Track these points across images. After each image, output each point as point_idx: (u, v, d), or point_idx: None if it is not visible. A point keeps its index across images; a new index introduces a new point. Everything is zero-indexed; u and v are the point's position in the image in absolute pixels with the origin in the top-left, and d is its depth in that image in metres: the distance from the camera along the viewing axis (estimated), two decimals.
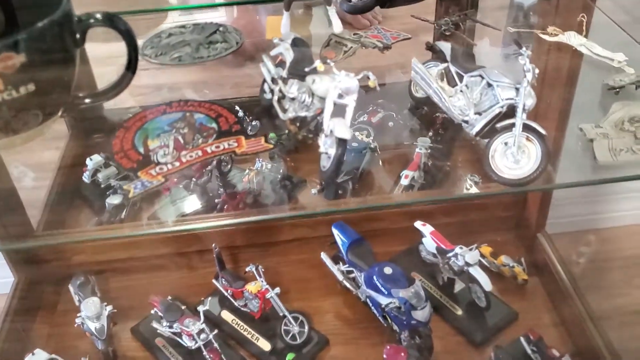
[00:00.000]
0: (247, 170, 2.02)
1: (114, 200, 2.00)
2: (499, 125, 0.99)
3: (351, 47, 1.35)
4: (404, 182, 1.96)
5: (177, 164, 1.02)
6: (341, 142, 0.99)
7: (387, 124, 2.26)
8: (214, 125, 1.07)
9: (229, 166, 2.19)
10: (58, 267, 1.81)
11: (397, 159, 2.21)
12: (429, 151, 2.01)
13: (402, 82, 2.26)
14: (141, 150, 1.03)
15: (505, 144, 0.96)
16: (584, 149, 1.10)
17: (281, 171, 2.13)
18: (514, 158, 0.96)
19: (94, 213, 2.05)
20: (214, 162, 2.08)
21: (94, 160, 2.11)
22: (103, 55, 1.43)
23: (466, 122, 1.04)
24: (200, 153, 1.04)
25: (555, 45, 1.13)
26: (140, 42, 1.27)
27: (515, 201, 1.83)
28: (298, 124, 1.09)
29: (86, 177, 2.11)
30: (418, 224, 1.75)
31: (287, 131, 2.18)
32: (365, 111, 2.29)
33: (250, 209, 1.93)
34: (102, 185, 2.06)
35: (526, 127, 0.96)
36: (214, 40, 1.22)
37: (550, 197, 1.74)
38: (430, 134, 2.05)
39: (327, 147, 1.01)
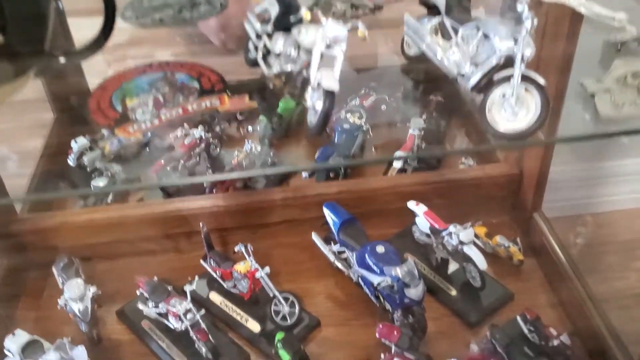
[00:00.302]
0: (236, 152, 1.98)
1: (99, 182, 1.96)
2: (496, 77, 0.95)
3: (340, 8, 1.30)
4: (397, 164, 1.93)
5: (156, 121, 0.97)
6: (329, 95, 0.94)
7: (379, 107, 2.22)
8: (195, 84, 1.02)
9: (218, 149, 2.14)
10: (43, 252, 1.75)
11: (390, 141, 2.17)
12: (422, 133, 1.98)
13: (395, 66, 2.24)
14: (119, 108, 0.98)
15: (503, 95, 0.92)
16: (586, 104, 1.05)
17: (271, 155, 2.09)
18: (512, 110, 0.91)
19: (80, 197, 2.00)
20: (203, 145, 2.04)
21: (79, 142, 2.06)
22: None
23: (462, 75, 1.00)
24: (180, 111, 0.98)
25: (553, 5, 1.10)
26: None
27: (511, 180, 1.79)
28: (283, 79, 1.04)
29: (71, 160, 2.06)
30: (411, 204, 1.71)
31: (277, 117, 2.15)
32: (358, 94, 2.26)
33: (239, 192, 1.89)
34: (88, 169, 2.02)
35: (525, 78, 0.91)
36: (197, 2, 1.17)
37: (547, 175, 1.69)
38: (424, 117, 2.02)
39: (314, 101, 0.96)
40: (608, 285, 1.86)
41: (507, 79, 0.91)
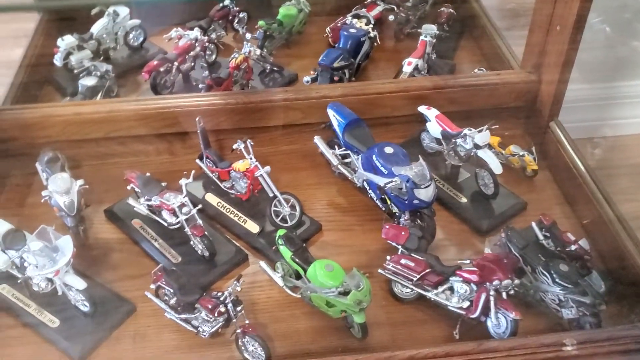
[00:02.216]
0: (234, 54, 1.85)
1: (88, 81, 1.83)
2: None
3: None
4: (407, 69, 1.82)
5: None
6: None
7: (387, 18, 2.10)
8: None
9: (214, 56, 2.02)
10: (26, 148, 1.62)
11: (400, 49, 2.06)
12: (434, 40, 1.87)
13: None
14: None
15: None
16: None
17: (271, 61, 1.97)
18: None
19: (67, 95, 1.88)
20: (198, 48, 1.92)
21: (66, 40, 1.93)
22: None
23: None
24: None
25: None
26: None
27: (528, 89, 1.68)
28: None
29: (57, 60, 1.93)
30: (422, 108, 1.61)
31: (276, 24, 2.02)
32: (363, 4, 2.13)
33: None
34: (75, 71, 1.89)
35: None
36: None
37: (568, 80, 1.59)
38: (436, 27, 1.91)
39: None
40: (620, 207, 1.77)
41: None
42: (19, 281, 1.31)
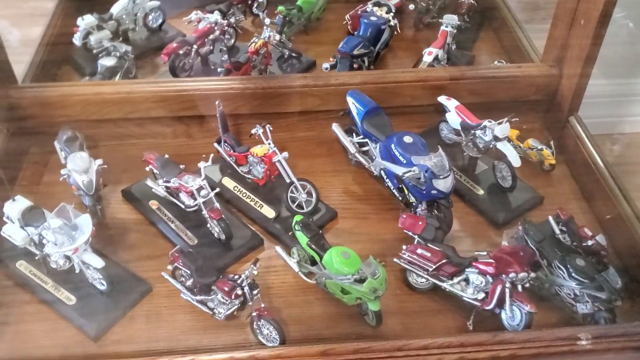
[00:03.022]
0: (254, 38, 1.85)
1: (107, 62, 1.83)
2: None
3: None
4: (427, 58, 1.81)
5: None
6: None
7: (407, 6, 2.09)
8: None
9: (233, 40, 2.02)
10: (45, 126, 1.63)
11: (419, 39, 2.05)
12: (455, 31, 1.86)
13: None
14: None
15: None
16: None
17: (290, 46, 1.97)
18: None
19: (86, 75, 1.89)
20: (218, 32, 1.91)
21: (86, 20, 1.93)
22: None
23: None
24: None
25: None
26: None
27: (549, 83, 1.67)
28: None
29: (77, 39, 1.93)
30: (442, 98, 1.60)
31: (296, 9, 2.01)
32: None
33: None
34: (95, 51, 1.90)
35: None
36: None
37: (589, 74, 1.58)
38: (457, 18, 1.90)
39: None
40: (638, 204, 1.76)
41: None
42: (37, 258, 1.32)
